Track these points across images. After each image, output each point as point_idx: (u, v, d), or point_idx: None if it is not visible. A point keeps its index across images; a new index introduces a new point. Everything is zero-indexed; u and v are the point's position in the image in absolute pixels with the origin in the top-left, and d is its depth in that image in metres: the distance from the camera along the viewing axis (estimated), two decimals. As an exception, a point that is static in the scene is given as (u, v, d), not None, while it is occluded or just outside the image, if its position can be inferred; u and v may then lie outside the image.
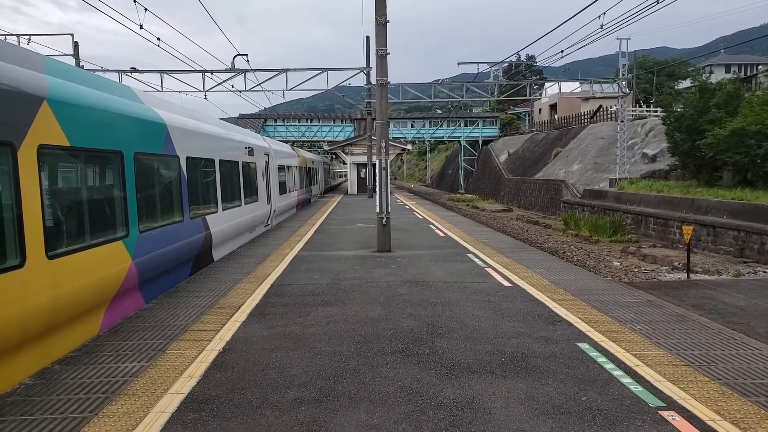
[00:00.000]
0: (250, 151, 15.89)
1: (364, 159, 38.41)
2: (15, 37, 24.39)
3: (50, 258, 5.81)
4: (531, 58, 68.53)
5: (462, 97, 35.61)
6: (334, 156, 58.81)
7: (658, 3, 17.17)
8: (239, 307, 7.73)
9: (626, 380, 4.97)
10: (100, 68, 26.84)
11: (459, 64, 31.04)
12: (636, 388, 4.78)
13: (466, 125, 62.50)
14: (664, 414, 4.30)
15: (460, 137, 62.58)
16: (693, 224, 17.58)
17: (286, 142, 43.51)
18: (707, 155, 22.85)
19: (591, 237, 22.50)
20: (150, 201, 8.69)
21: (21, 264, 5.33)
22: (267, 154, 18.53)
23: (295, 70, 27.99)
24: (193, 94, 27.92)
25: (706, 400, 4.54)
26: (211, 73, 27.33)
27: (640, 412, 4.34)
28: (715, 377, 5.02)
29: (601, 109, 44.80)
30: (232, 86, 28.32)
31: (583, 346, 5.93)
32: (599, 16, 21.02)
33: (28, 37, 24.25)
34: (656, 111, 37.84)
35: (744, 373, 5.12)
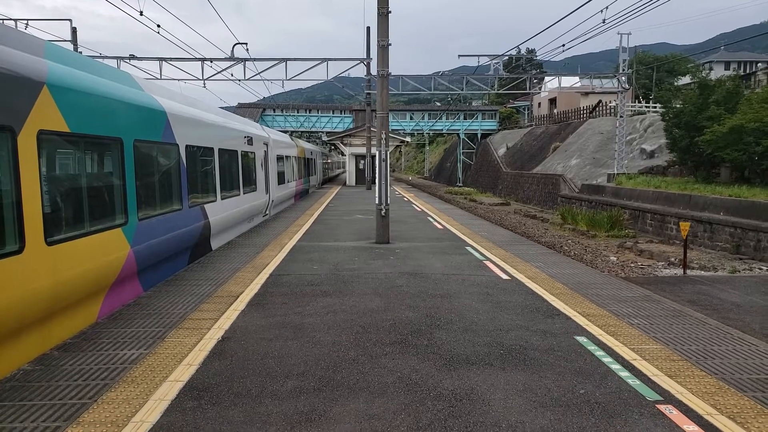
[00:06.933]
0: (249, 141, 15.84)
1: (362, 150, 38.33)
2: (13, 22, 24.18)
3: (49, 244, 5.79)
4: (531, 51, 68.35)
5: (462, 90, 35.51)
6: (332, 147, 58.69)
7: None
8: (238, 296, 7.73)
9: (624, 374, 4.99)
10: (98, 54, 26.67)
11: (459, 56, 31.19)
12: (634, 382, 4.81)
13: (465, 118, 62.43)
14: (662, 407, 4.32)
15: (459, 130, 62.52)
16: (690, 220, 17.63)
17: (285, 132, 43.39)
18: (705, 152, 22.88)
19: (588, 232, 22.55)
20: (149, 189, 8.67)
21: (20, 250, 5.31)
22: (266, 144, 18.47)
23: (294, 59, 27.86)
24: (192, 82, 27.76)
25: (703, 394, 4.57)
26: (211, 62, 27.17)
27: (638, 406, 4.36)
28: (712, 372, 5.05)
29: (601, 104, 44.79)
30: (232, 75, 28.18)
31: (581, 339, 5.96)
32: (601, 11, 20.99)
33: (26, 22, 24.05)
34: (655, 107, 37.84)
35: (741, 368, 5.15)
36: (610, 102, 42.74)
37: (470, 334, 6.17)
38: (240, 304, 7.32)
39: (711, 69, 51.70)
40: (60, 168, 6.67)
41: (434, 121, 62.64)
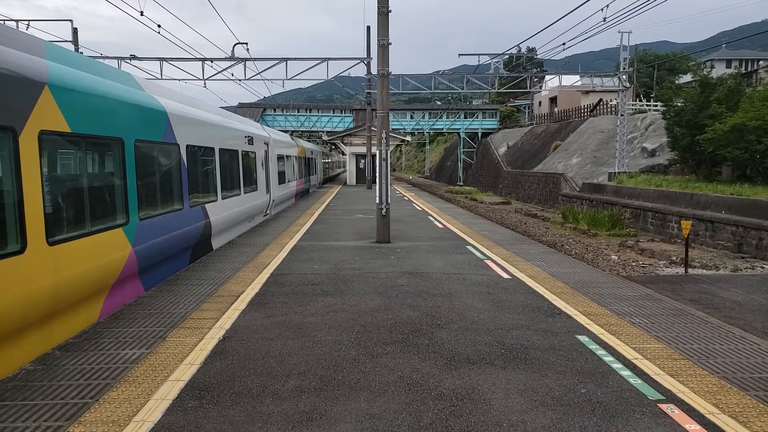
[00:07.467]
0: (250, 140, 15.84)
1: (363, 150, 38.31)
2: (14, 23, 24.19)
3: (51, 244, 5.80)
4: (532, 50, 68.29)
5: (462, 89, 35.52)
6: (333, 146, 58.70)
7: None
8: (239, 296, 7.73)
9: (625, 373, 4.99)
10: (99, 55, 26.68)
11: (460, 55, 31.26)
12: (635, 381, 4.80)
13: (465, 117, 62.38)
14: (664, 407, 4.32)
15: (459, 129, 62.48)
16: (692, 219, 17.61)
17: (285, 131, 43.40)
18: (707, 150, 22.85)
19: (589, 230, 22.53)
20: (150, 189, 8.67)
21: (22, 250, 5.32)
22: (266, 144, 18.48)
23: (295, 59, 27.86)
24: (192, 82, 27.78)
25: (705, 393, 4.57)
26: (211, 62, 27.19)
27: (640, 405, 4.36)
28: (714, 371, 5.04)
29: (601, 103, 44.75)
30: (232, 75, 28.21)
31: (583, 338, 5.95)
32: (602, 9, 20.96)
33: (27, 22, 24.07)
34: (656, 105, 37.78)
35: (743, 367, 5.15)
36: (611, 101, 42.71)
37: (471, 333, 6.16)
38: (241, 304, 7.32)
39: (712, 67, 51.71)
40: (61, 168, 6.67)
41: (435, 120, 62.62)
